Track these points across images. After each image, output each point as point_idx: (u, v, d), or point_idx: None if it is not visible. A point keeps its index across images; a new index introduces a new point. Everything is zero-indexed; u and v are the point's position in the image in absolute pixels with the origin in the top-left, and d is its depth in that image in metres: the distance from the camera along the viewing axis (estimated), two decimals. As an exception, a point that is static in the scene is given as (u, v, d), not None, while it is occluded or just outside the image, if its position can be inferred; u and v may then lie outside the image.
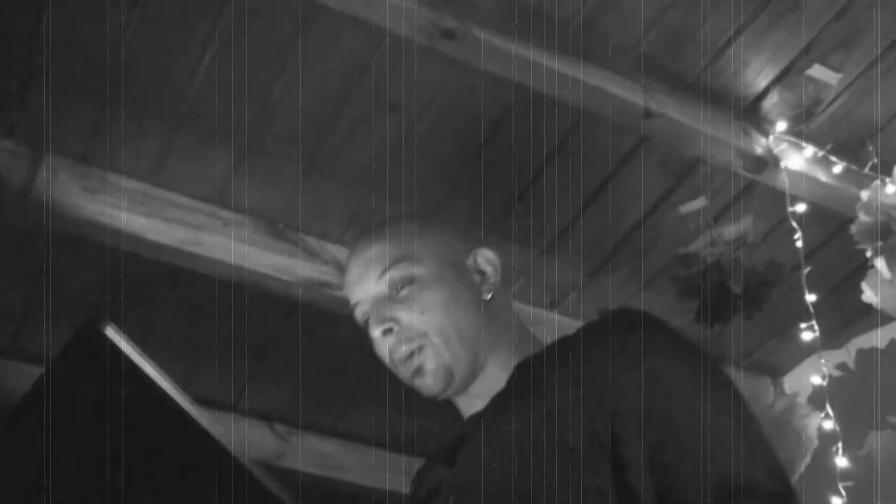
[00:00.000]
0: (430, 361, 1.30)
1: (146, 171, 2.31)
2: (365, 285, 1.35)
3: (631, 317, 1.22)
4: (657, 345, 1.16)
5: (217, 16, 2.02)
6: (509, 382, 1.28)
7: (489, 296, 1.37)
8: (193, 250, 2.35)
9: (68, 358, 1.00)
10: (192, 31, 2.04)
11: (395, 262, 1.33)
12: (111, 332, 0.98)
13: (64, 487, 0.95)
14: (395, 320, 1.31)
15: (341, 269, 2.47)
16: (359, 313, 1.37)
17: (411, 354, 1.31)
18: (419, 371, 1.31)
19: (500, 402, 1.26)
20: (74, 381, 0.98)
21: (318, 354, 2.78)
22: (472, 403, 1.33)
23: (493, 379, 1.31)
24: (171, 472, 0.96)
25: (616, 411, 1.11)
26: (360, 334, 2.66)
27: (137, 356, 0.98)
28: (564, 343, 1.26)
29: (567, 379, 1.17)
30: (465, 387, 1.32)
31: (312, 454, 3.08)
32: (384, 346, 1.33)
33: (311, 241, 2.47)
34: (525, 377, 1.26)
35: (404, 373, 1.33)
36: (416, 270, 1.33)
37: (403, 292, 1.32)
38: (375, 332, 1.33)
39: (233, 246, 2.38)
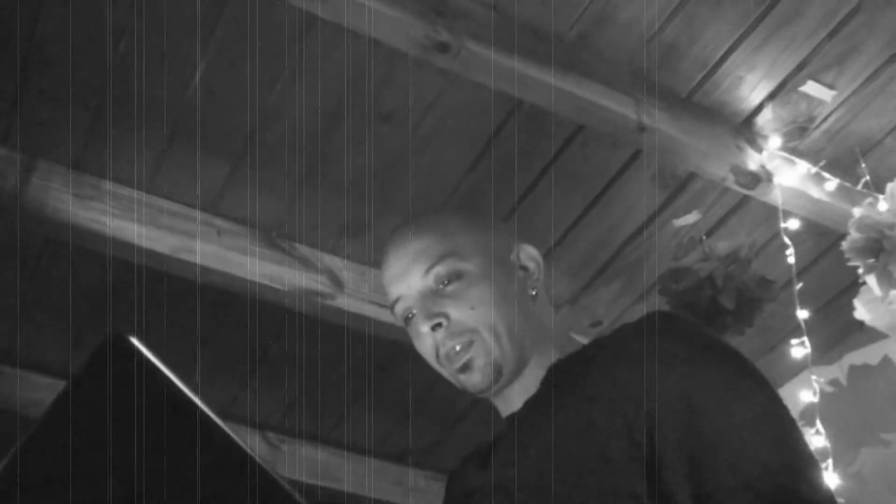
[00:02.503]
0: (479, 357, 1.28)
1: (140, 178, 2.31)
2: (409, 280, 1.31)
3: (668, 321, 1.19)
4: (696, 350, 1.14)
5: (213, 25, 2.02)
6: (543, 383, 1.26)
7: (534, 292, 1.35)
8: (187, 258, 2.35)
9: (96, 368, 0.97)
10: (188, 39, 2.05)
11: (442, 258, 1.30)
12: (137, 343, 0.96)
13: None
14: (445, 315, 1.28)
15: (335, 278, 2.48)
16: (400, 308, 1.33)
17: (460, 350, 1.29)
18: (468, 366, 1.28)
19: (534, 404, 1.25)
20: (103, 392, 0.96)
21: (311, 363, 2.78)
22: (510, 404, 1.31)
23: (534, 379, 1.29)
24: (205, 485, 0.95)
25: (653, 417, 1.09)
26: (352, 343, 2.66)
27: (165, 368, 0.96)
28: (599, 344, 1.24)
29: (603, 382, 1.14)
30: (510, 383, 1.30)
31: (305, 463, 3.07)
32: (430, 341, 1.30)
33: (305, 250, 2.47)
34: (558, 378, 1.25)
35: (449, 369, 1.30)
36: (463, 266, 1.30)
37: (450, 288, 1.29)
38: (423, 328, 1.30)
39: (226, 254, 2.38)
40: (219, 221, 2.39)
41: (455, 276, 1.30)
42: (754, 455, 1.06)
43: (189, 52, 2.07)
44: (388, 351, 2.62)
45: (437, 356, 1.31)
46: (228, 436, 0.96)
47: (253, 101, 2.16)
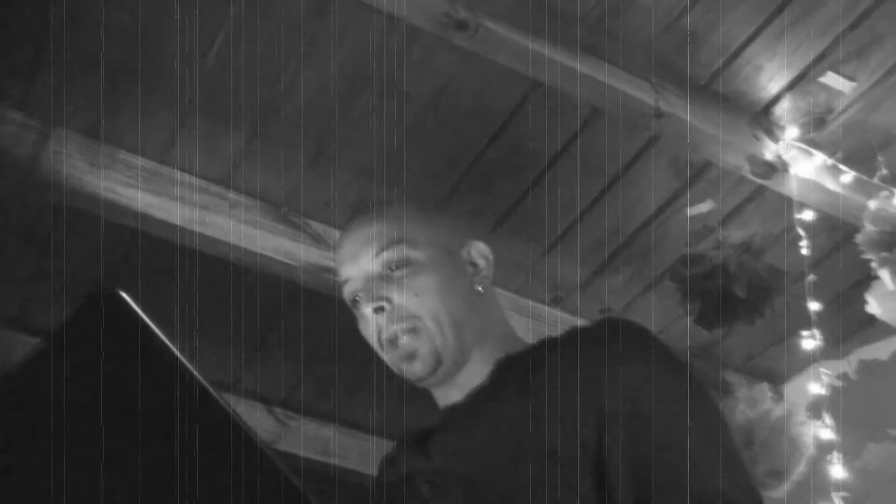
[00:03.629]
0: (422, 346, 1.30)
1: (155, 149, 2.31)
2: (358, 262, 1.34)
3: (623, 328, 1.23)
4: (647, 359, 1.18)
5: (231, -3, 2.02)
6: (491, 377, 1.29)
7: (480, 288, 1.37)
8: (199, 230, 2.36)
9: (83, 318, 0.97)
10: (206, 10, 2.04)
11: (391, 243, 1.32)
12: (126, 297, 0.96)
13: (71, 451, 0.93)
14: (388, 299, 1.30)
15: (345, 255, 2.48)
16: (347, 290, 1.36)
17: (401, 336, 1.30)
18: (411, 355, 1.30)
19: (479, 396, 1.27)
20: (89, 343, 0.96)
21: (320, 340, 2.78)
22: (448, 394, 1.33)
23: (475, 372, 1.31)
24: (187, 443, 0.95)
25: (602, 421, 1.13)
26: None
27: (152, 324, 0.96)
28: (550, 344, 1.27)
29: (554, 381, 1.18)
30: (449, 376, 1.32)
31: (311, 439, 3.08)
32: (373, 324, 1.32)
33: (316, 226, 2.48)
34: (508, 374, 1.27)
35: (392, 355, 1.33)
36: (412, 253, 1.32)
37: (398, 273, 1.31)
38: (366, 310, 1.32)
39: (238, 228, 2.39)
40: (231, 194, 2.40)
41: (403, 263, 1.32)
42: (695, 464, 1.11)
43: (206, 24, 2.07)
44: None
45: (380, 340, 1.33)
46: (211, 394, 0.95)
47: (269, 75, 2.16)
